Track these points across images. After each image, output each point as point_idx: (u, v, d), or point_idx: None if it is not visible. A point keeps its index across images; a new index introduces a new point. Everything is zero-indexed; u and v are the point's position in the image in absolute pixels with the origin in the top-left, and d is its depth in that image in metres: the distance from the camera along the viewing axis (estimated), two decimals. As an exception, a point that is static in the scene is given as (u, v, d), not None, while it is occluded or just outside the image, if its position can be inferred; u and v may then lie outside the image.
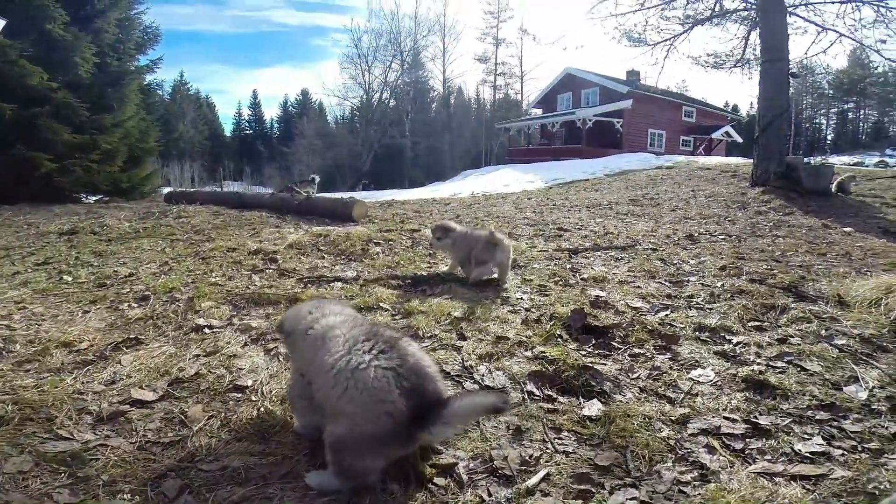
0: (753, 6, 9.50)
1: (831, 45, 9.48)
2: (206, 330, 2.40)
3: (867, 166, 16.45)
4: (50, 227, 5.99)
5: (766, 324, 2.52)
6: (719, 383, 1.93)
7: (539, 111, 34.03)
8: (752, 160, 9.08)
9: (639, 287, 3.10)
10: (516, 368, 2.01)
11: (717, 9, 10.26)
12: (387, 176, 32.76)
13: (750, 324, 2.52)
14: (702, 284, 3.19)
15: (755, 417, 1.68)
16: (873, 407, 1.72)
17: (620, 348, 2.25)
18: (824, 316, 2.57)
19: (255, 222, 6.17)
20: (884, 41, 9.17)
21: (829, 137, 46.75)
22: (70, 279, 3.42)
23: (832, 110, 48.14)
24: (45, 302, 2.88)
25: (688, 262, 3.84)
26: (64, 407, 1.65)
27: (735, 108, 44.47)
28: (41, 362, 2.04)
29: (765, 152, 8.18)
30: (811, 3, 9.31)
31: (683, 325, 2.48)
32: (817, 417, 1.67)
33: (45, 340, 2.23)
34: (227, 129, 55.67)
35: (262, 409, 1.68)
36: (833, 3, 9.00)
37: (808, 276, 3.38)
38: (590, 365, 2.00)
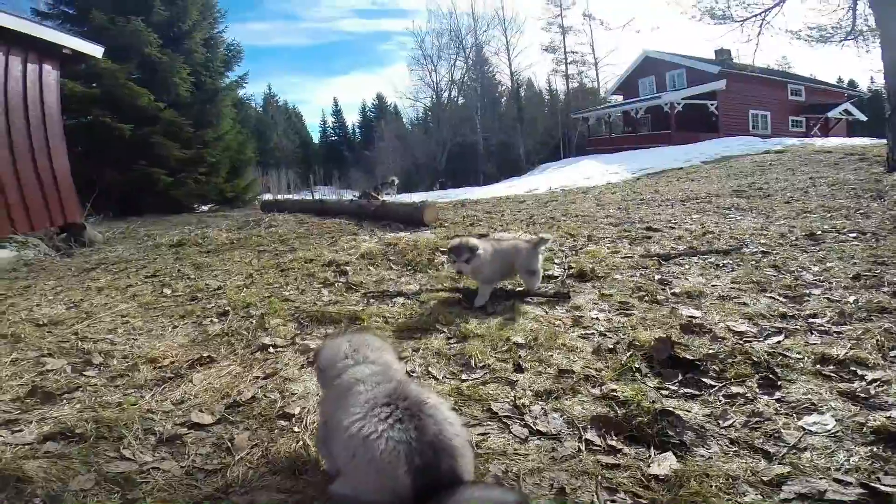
0: None
1: None
2: (271, 349, 2.43)
3: None
4: (163, 239, 6.68)
5: None
6: (839, 434, 1.51)
7: (619, 98, 32.13)
8: (885, 141, 7.68)
9: (744, 304, 2.62)
10: (577, 410, 1.74)
11: None
12: (462, 173, 32.79)
13: (893, 353, 1.99)
14: (828, 300, 2.63)
15: (876, 479, 1.28)
16: None
17: (714, 387, 1.86)
18: None
19: (334, 230, 6.39)
20: None
21: None
22: (169, 292, 3.69)
23: None
24: (146, 315, 3.11)
25: (809, 269, 3.22)
26: (133, 426, 1.72)
27: (852, 84, 38.30)
28: (130, 378, 2.16)
29: (898, 133, 6.86)
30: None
31: (801, 356, 2.01)
32: None
33: (136, 356, 2.38)
34: (315, 137, 59.44)
35: (301, 441, 1.63)
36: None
37: None
38: (671, 409, 1.67)
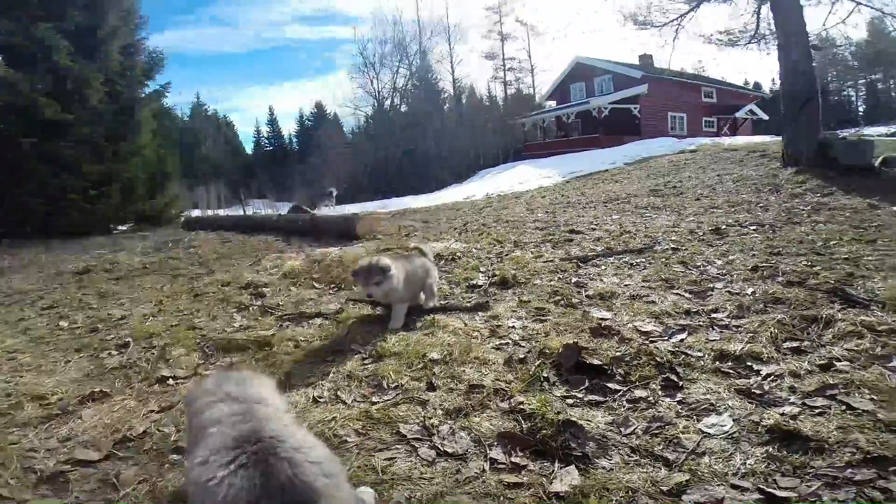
0: None
1: (849, 14, 8.80)
2: (171, 381, 2.29)
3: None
4: (69, 266, 6.07)
5: (805, 343, 2.11)
6: (736, 435, 1.55)
7: (553, 103, 33.46)
8: (781, 138, 8.45)
9: (652, 303, 2.72)
10: (485, 426, 1.70)
11: None
12: (404, 182, 32.61)
13: (786, 345, 2.11)
14: (729, 293, 2.79)
15: (773, 483, 1.32)
16: None
17: (619, 391, 1.88)
18: (879, 327, 2.12)
19: (259, 249, 6.08)
20: None
21: (860, 109, 43.82)
22: (66, 325, 3.38)
23: (859, 81, 45.17)
24: (37, 351, 2.87)
25: (714, 263, 3.42)
26: (12, 465, 1.63)
27: (757, 86, 42.51)
28: (12, 417, 2.01)
29: (796, 129, 7.54)
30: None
31: (701, 354, 2.09)
32: (857, 478, 1.29)
33: (21, 393, 2.21)
34: (249, 148, 57.00)
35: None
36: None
37: (858, 272, 2.92)
38: (573, 420, 1.66)
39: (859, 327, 2.14)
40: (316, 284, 3.84)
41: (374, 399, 1.96)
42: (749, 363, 1.99)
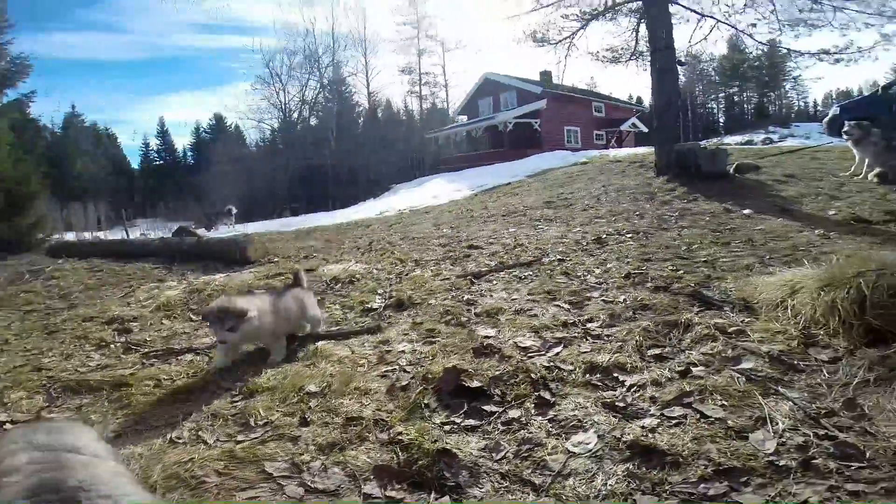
0: None
1: (711, 31, 10.08)
2: (8, 426, 2.04)
3: (756, 144, 17.84)
4: None
5: (667, 349, 2.27)
6: (600, 453, 1.60)
7: (465, 118, 34.68)
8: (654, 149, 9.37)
9: (535, 316, 2.81)
10: (362, 460, 1.62)
11: (608, 3, 10.57)
12: (314, 198, 31.57)
13: (650, 352, 2.26)
14: (604, 301, 2.98)
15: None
16: (781, 462, 1.45)
17: (494, 413, 1.90)
18: (731, 329, 2.34)
19: (135, 277, 5.43)
20: (754, 25, 9.80)
21: (721, 120, 51.03)
22: None
23: (720, 95, 52.73)
24: None
25: (593, 272, 3.66)
26: None
27: (640, 100, 47.71)
28: None
29: (663, 140, 8.45)
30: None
31: (573, 367, 2.17)
32: (710, 493, 1.37)
33: None
34: (135, 162, 51.47)
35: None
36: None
37: (714, 274, 3.26)
38: (448, 448, 1.64)
39: (713, 330, 2.34)
40: (193, 317, 3.50)
41: (240, 438, 1.82)
42: (615, 374, 2.09)
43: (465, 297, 3.35)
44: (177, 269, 5.57)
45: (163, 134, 52.81)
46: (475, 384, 2.04)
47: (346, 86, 42.43)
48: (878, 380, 1.77)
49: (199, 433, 1.87)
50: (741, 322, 2.41)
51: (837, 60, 10.07)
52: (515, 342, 2.48)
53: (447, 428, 1.81)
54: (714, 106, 53.74)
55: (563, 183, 10.33)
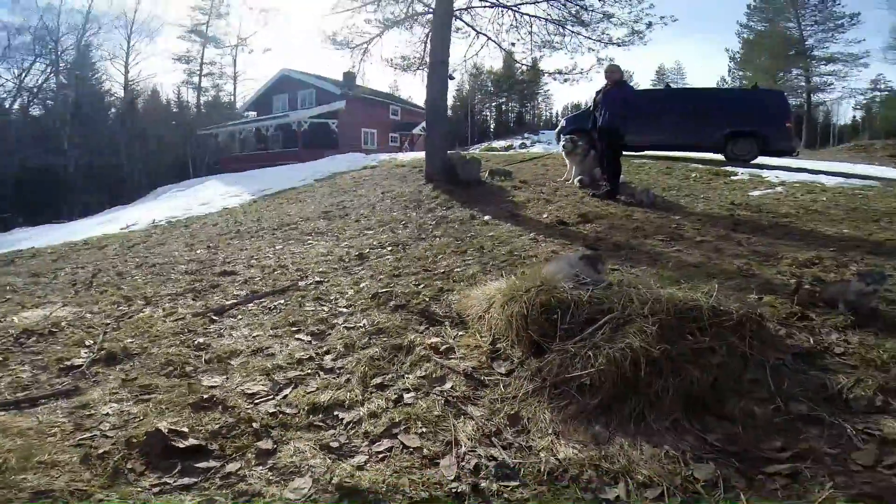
0: (431, 11, 10.33)
1: (482, 47, 11.34)
2: None
3: (515, 148, 21.20)
4: None
5: (389, 376, 2.36)
6: (314, 497, 1.59)
7: (254, 114, 31.98)
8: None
9: (271, 356, 2.66)
10: None
11: (408, 12, 10.93)
12: (42, 207, 24.41)
13: (374, 381, 2.32)
14: (346, 328, 2.99)
15: None
16: (460, 489, 1.60)
17: (212, 468, 1.74)
18: (443, 348, 2.53)
19: None
20: (513, 44, 11.33)
21: (492, 127, 59.46)
22: None
23: (493, 104, 61.37)
24: None
25: (346, 293, 3.65)
26: None
27: (434, 105, 51.54)
28: None
29: (432, 148, 9.11)
30: (472, 8, 10.78)
31: (297, 410, 2.12)
32: None
33: None
34: None
35: None
36: (487, 7, 10.66)
37: (447, 286, 3.49)
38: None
39: (429, 350, 2.51)
40: None
41: None
42: (336, 412, 2.09)
43: (199, 339, 2.97)
44: None
45: None
46: (189, 443, 1.84)
47: (94, 71, 34.24)
48: (535, 391, 2.11)
49: None
50: (453, 339, 2.65)
51: (566, 80, 12.43)
52: (243, 389, 2.29)
53: (157, 489, 1.63)
54: (487, 114, 61.84)
55: (348, 188, 10.29)
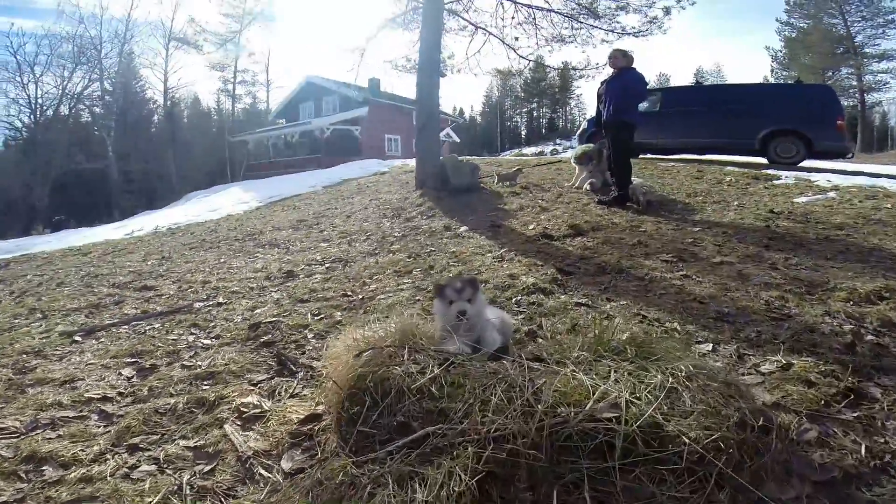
0: (421, 4, 9.77)
1: (483, 44, 10.52)
2: None
3: (545, 154, 20.30)
4: None
5: (153, 438, 1.78)
6: None
7: (283, 121, 32.60)
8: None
9: (72, 389, 2.17)
10: None
11: (408, 10, 10.54)
12: (87, 208, 25.91)
13: (130, 440, 1.78)
14: (181, 366, 2.40)
15: None
16: None
17: None
18: (251, 412, 1.88)
19: None
20: (517, 38, 10.42)
21: (523, 133, 58.09)
22: None
23: (524, 110, 59.99)
24: None
25: (232, 320, 3.11)
26: None
27: (461, 112, 51.21)
28: None
29: (421, 153, 8.53)
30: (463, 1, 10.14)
31: (15, 456, 1.65)
32: None
33: None
34: None
35: None
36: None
37: (348, 319, 2.82)
38: None
39: (231, 414, 1.88)
40: None
41: None
42: (45, 466, 1.61)
43: (34, 362, 2.63)
44: None
45: None
46: None
47: (138, 79, 36.35)
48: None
49: None
50: (277, 401, 1.99)
51: (581, 76, 11.49)
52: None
53: None
54: (518, 120, 60.56)
55: (346, 196, 9.94)
